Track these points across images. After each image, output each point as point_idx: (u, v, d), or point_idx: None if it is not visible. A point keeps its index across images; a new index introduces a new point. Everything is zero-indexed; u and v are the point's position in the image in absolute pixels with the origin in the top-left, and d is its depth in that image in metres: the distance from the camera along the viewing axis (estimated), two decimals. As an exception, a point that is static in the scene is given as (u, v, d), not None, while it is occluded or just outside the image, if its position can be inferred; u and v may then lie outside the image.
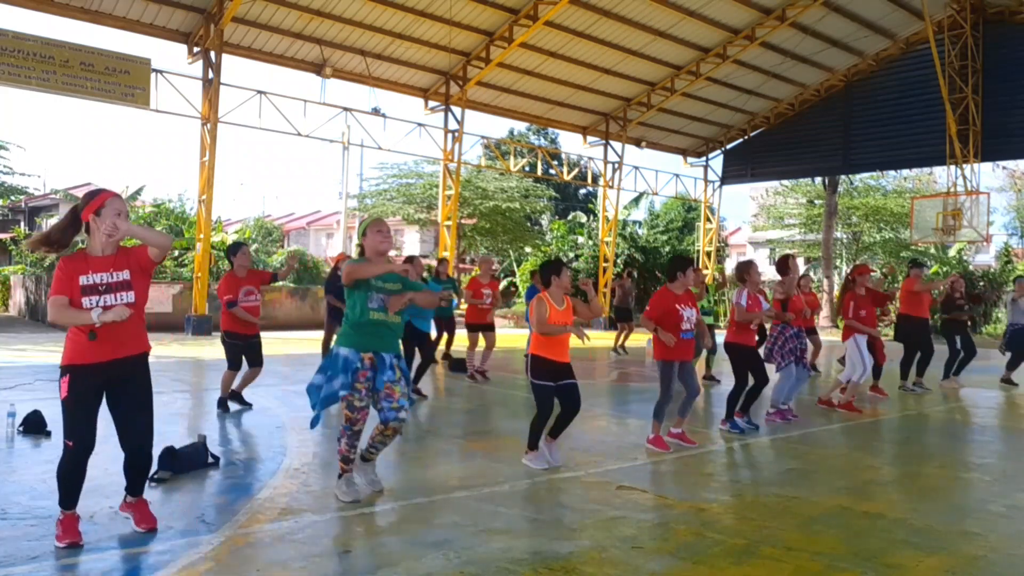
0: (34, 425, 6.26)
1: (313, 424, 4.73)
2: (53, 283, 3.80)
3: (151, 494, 4.63)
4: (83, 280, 3.77)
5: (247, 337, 7.62)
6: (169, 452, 5.12)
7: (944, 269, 29.69)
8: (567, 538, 4.17)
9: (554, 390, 5.56)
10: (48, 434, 6.17)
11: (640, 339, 16.44)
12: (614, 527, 4.37)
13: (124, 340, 3.84)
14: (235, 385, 7.77)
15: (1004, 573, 3.89)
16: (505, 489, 5.09)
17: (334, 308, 10.67)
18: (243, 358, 7.65)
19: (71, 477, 3.81)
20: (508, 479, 5.32)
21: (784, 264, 8.24)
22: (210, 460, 5.39)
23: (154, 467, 4.90)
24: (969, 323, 11.44)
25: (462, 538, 4.08)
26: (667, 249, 33.13)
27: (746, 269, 7.39)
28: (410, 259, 8.61)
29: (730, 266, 38.95)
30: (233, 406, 7.73)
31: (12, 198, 28.34)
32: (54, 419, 6.44)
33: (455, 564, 3.71)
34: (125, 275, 3.85)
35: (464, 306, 11.48)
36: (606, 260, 26.14)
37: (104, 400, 3.90)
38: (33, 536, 3.88)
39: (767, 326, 8.86)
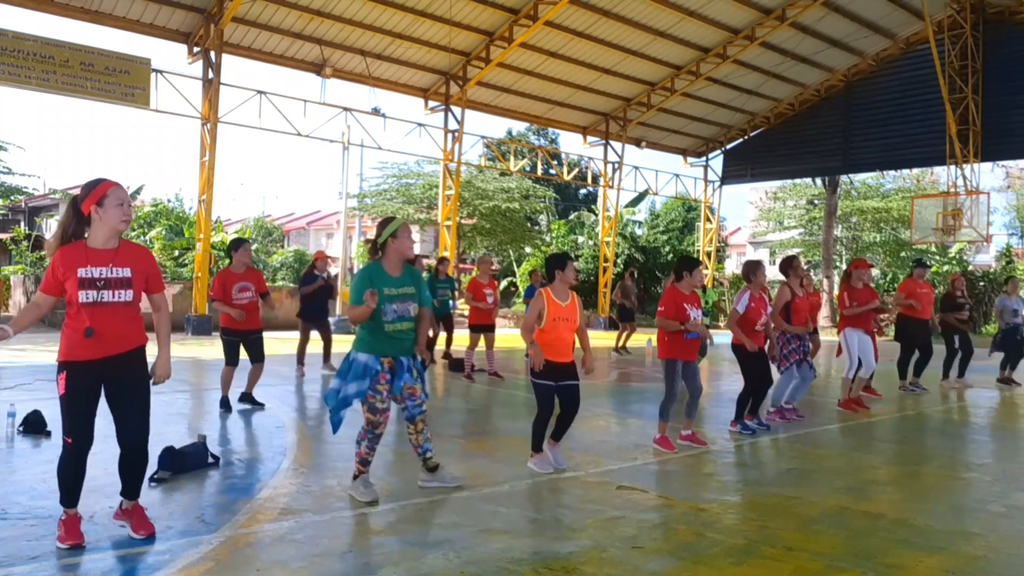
0: (34, 425, 6.26)
1: (335, 429, 4.74)
2: (46, 274, 3.76)
3: (152, 494, 4.64)
4: (81, 273, 3.69)
5: (244, 333, 7.67)
6: (169, 452, 5.12)
7: (946, 268, 29.70)
8: (567, 538, 4.17)
9: (555, 389, 5.51)
10: (48, 434, 6.17)
11: (640, 339, 16.41)
12: (614, 527, 4.37)
13: (120, 337, 3.79)
14: (245, 388, 7.86)
15: (1004, 573, 3.89)
16: (505, 489, 5.09)
17: (305, 309, 10.61)
18: (240, 354, 7.71)
19: (71, 474, 3.77)
20: (508, 479, 5.33)
21: (786, 266, 8.14)
22: (210, 460, 5.39)
23: (154, 467, 4.92)
24: (969, 322, 11.41)
25: (462, 538, 4.08)
26: (667, 249, 33.12)
27: (753, 269, 7.23)
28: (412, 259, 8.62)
29: (730, 266, 38.98)
30: (241, 406, 7.77)
31: (12, 198, 28.30)
32: (54, 419, 6.44)
33: (455, 564, 3.71)
34: (126, 272, 3.79)
35: (464, 306, 11.46)
36: (606, 260, 26.17)
37: (103, 396, 3.84)
38: (33, 536, 3.88)
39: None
